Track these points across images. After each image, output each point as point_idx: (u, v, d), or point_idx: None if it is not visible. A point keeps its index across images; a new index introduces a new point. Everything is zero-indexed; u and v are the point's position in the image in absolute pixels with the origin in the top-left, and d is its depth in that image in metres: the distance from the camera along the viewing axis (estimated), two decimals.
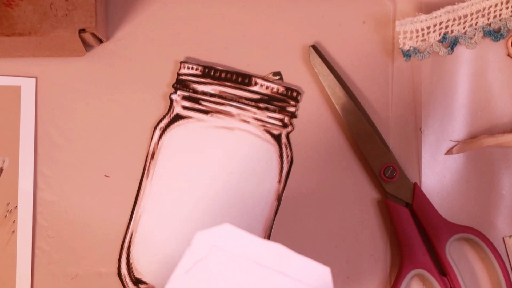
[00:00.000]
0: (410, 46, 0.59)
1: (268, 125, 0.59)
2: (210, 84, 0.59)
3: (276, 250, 0.43)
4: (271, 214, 0.59)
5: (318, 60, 0.60)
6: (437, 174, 0.60)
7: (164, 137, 0.59)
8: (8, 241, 0.58)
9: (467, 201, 0.60)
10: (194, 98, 0.59)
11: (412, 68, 0.61)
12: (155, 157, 0.59)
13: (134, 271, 0.59)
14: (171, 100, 0.60)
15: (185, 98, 0.59)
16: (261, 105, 0.59)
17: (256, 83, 0.60)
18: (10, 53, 0.59)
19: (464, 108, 0.61)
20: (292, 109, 0.60)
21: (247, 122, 0.59)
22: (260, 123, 0.59)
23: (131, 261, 0.59)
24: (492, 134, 0.60)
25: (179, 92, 0.60)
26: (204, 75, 0.60)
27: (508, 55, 0.61)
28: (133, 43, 0.61)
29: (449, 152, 0.61)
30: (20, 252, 0.58)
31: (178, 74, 0.60)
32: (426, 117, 0.60)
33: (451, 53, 0.60)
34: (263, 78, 0.60)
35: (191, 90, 0.59)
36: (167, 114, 0.60)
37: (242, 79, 0.60)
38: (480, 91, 0.61)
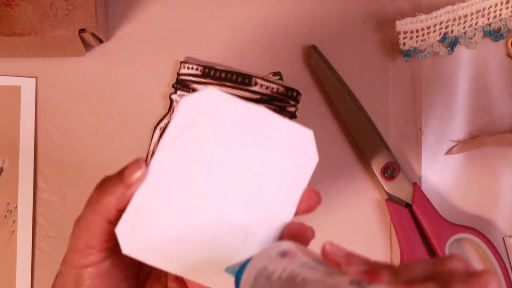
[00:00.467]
0: (410, 46, 0.59)
1: None
2: (210, 84, 0.59)
3: (260, 114, 0.43)
4: None
5: (318, 60, 0.60)
6: (437, 174, 0.60)
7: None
8: (8, 241, 0.58)
9: (467, 201, 0.60)
10: None
11: (412, 68, 0.61)
12: None
13: None
14: (171, 100, 0.60)
15: None
16: (261, 105, 0.59)
17: (256, 83, 0.60)
18: (10, 53, 0.59)
19: (464, 108, 0.61)
20: (292, 109, 0.60)
21: None
22: None
23: None
24: (492, 134, 0.60)
25: (179, 92, 0.60)
26: (204, 75, 0.60)
27: (508, 55, 0.61)
28: (133, 43, 0.61)
29: (449, 152, 0.61)
30: (20, 252, 0.58)
31: (178, 74, 0.60)
32: (426, 117, 0.60)
33: (451, 53, 0.60)
34: (263, 78, 0.60)
35: (191, 90, 0.59)
36: (167, 114, 0.60)
37: (242, 79, 0.60)
38: (480, 91, 0.61)
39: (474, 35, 0.60)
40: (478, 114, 0.61)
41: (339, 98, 0.59)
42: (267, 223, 0.43)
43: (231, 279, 0.43)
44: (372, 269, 0.34)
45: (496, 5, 0.60)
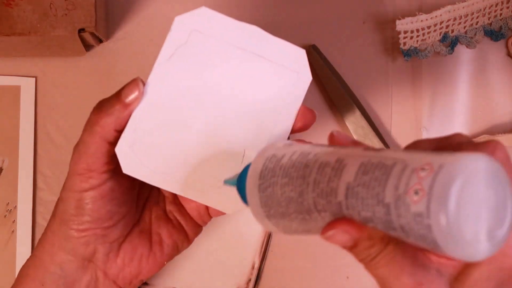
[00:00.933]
0: (411, 46, 0.59)
1: None
2: None
3: (253, 33, 0.44)
4: None
5: (318, 59, 0.60)
6: None
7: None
8: (8, 240, 0.58)
9: None
10: None
11: (412, 68, 0.61)
12: None
13: None
14: None
15: None
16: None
17: None
18: (9, 53, 0.59)
19: (464, 108, 0.61)
20: None
21: None
22: None
23: None
24: (492, 134, 0.60)
25: None
26: None
27: (509, 54, 0.61)
28: (132, 43, 0.61)
29: None
30: (20, 252, 0.58)
31: None
32: (426, 117, 0.60)
33: (452, 53, 0.60)
34: None
35: None
36: None
37: None
38: (480, 91, 0.61)
39: (475, 34, 0.60)
40: (479, 114, 0.61)
41: (339, 98, 0.59)
42: (263, 141, 0.43)
43: (229, 196, 0.43)
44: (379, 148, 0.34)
45: (496, 5, 0.59)
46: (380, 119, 0.60)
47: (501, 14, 0.60)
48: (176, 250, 0.48)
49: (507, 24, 0.60)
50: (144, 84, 0.43)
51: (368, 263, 0.34)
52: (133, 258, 0.46)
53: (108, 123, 0.42)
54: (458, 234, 0.27)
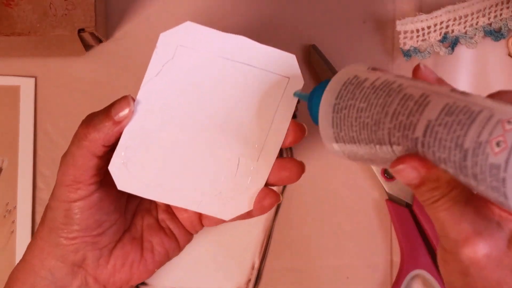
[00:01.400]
0: (411, 46, 0.59)
1: None
2: None
3: (240, 43, 0.44)
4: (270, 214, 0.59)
5: (318, 59, 0.60)
6: None
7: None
8: (7, 241, 0.58)
9: None
10: None
11: (412, 68, 0.61)
12: None
13: None
14: None
15: None
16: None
17: None
18: (9, 53, 0.59)
19: None
20: None
21: None
22: None
23: None
24: None
25: None
26: None
27: (509, 54, 0.61)
28: (132, 43, 0.60)
29: None
30: (20, 252, 0.58)
31: None
32: None
33: (452, 53, 0.60)
34: None
35: None
36: None
37: None
38: (481, 91, 0.61)
39: (475, 34, 0.60)
40: None
41: None
42: (258, 149, 0.43)
43: (225, 203, 0.43)
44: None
45: (496, 5, 0.59)
46: None
47: (501, 14, 0.60)
48: (167, 257, 0.48)
49: (507, 24, 0.60)
50: (134, 101, 0.43)
51: (429, 205, 0.33)
52: (124, 264, 0.46)
53: (96, 138, 0.42)
54: None
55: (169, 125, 0.43)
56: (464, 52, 0.61)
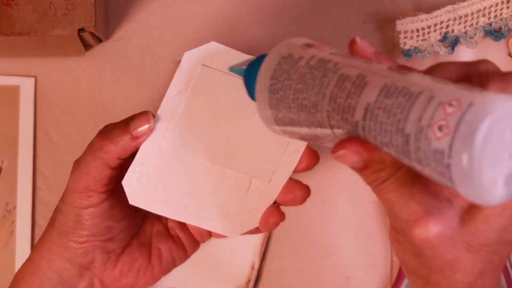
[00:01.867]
0: (411, 46, 0.59)
1: None
2: None
3: None
4: None
5: None
6: None
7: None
8: (7, 241, 0.58)
9: None
10: None
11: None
12: None
13: None
14: None
15: None
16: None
17: None
18: (9, 53, 0.59)
19: None
20: None
21: None
22: None
23: None
24: None
25: None
26: None
27: (509, 54, 0.61)
28: (132, 43, 0.60)
29: None
30: (20, 252, 0.58)
31: None
32: None
33: (452, 53, 0.60)
34: None
35: None
36: None
37: None
38: None
39: (475, 34, 0.60)
40: None
41: None
42: (270, 172, 0.44)
43: (233, 222, 0.44)
44: (404, 65, 0.33)
45: (496, 5, 0.59)
46: None
47: (501, 14, 0.60)
48: (174, 265, 0.48)
49: (507, 24, 0.60)
50: (154, 117, 0.43)
51: (376, 186, 0.33)
52: (131, 270, 0.46)
53: (112, 151, 0.42)
54: (477, 178, 0.26)
55: (186, 144, 0.43)
56: (464, 52, 0.61)
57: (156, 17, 0.61)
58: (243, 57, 0.43)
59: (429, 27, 0.59)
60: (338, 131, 0.32)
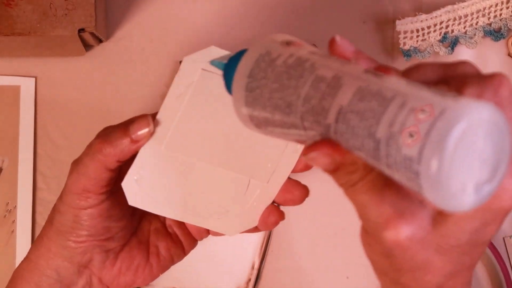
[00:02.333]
0: (411, 46, 0.59)
1: None
2: None
3: None
4: None
5: None
6: None
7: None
8: (7, 241, 0.58)
9: None
10: None
11: None
12: None
13: None
14: None
15: None
16: None
17: None
18: (9, 53, 0.59)
19: None
20: None
21: None
22: None
23: None
24: None
25: None
26: None
27: (509, 54, 0.61)
28: (132, 43, 0.60)
29: None
30: (20, 252, 0.58)
31: None
32: None
33: (452, 53, 0.60)
34: None
35: None
36: None
37: None
38: None
39: (475, 34, 0.60)
40: None
41: None
42: (269, 173, 0.44)
43: (232, 221, 0.44)
44: (382, 66, 0.32)
45: (496, 5, 0.59)
46: None
47: (501, 14, 0.60)
48: (172, 262, 0.48)
49: (507, 24, 0.60)
50: (153, 120, 0.43)
51: (348, 188, 0.32)
52: (130, 268, 0.46)
53: (111, 154, 0.42)
54: (446, 186, 0.26)
55: (185, 147, 0.43)
56: (464, 52, 0.61)
57: (156, 17, 0.61)
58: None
59: (428, 27, 0.59)
60: (311, 133, 0.32)
